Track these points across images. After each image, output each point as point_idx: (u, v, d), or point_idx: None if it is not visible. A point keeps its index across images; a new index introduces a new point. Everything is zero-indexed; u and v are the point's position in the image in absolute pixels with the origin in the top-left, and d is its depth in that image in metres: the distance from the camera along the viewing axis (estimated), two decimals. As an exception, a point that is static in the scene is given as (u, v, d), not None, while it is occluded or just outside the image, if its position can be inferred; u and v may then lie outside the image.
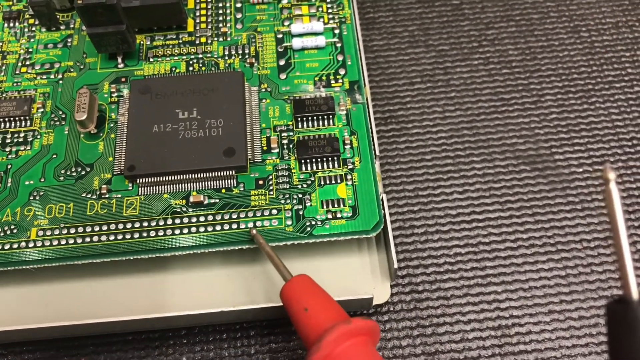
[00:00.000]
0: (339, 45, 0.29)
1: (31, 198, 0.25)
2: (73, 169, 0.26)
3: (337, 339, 0.20)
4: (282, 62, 0.28)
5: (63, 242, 0.24)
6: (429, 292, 0.26)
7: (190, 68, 0.28)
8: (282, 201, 0.25)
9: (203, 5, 0.30)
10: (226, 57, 0.28)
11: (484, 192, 0.28)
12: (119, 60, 0.28)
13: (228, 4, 0.30)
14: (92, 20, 0.27)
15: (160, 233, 0.24)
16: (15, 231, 0.24)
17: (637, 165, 0.29)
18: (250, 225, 0.24)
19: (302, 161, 0.26)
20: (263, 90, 0.27)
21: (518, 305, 0.26)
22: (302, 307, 0.21)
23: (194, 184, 0.25)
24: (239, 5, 0.30)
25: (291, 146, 0.26)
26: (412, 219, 0.28)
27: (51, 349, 0.25)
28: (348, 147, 0.26)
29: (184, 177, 0.25)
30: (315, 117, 0.27)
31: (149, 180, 0.25)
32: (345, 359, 0.20)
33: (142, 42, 0.29)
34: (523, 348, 0.25)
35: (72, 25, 0.29)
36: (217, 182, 0.25)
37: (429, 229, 0.27)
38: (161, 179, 0.25)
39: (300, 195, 0.25)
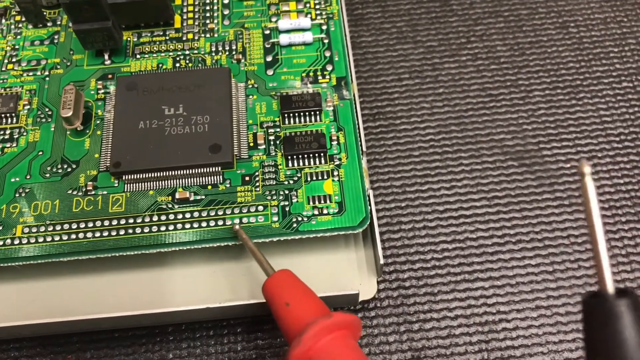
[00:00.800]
0: (326, 41, 0.28)
1: (17, 195, 0.25)
2: (59, 166, 0.26)
3: (317, 334, 0.20)
4: (269, 58, 0.28)
5: (49, 239, 0.24)
6: (416, 288, 0.26)
7: (177, 64, 0.28)
8: (269, 197, 0.25)
9: (190, 1, 0.30)
10: (213, 54, 0.28)
11: (472, 188, 0.28)
12: (106, 57, 0.28)
13: (215, 0, 0.30)
14: (78, 16, 0.27)
15: (146, 230, 0.24)
16: (0, 228, 0.24)
17: (625, 160, 0.29)
18: (237, 221, 0.24)
19: (289, 157, 0.26)
20: (250, 86, 0.27)
21: (505, 300, 0.26)
22: (283, 301, 0.21)
23: (180, 180, 0.25)
24: (226, 1, 0.30)
25: (278, 142, 0.26)
26: (400, 215, 0.28)
27: (37, 346, 0.25)
28: (335, 143, 0.26)
29: (170, 173, 0.25)
30: (302, 113, 0.27)
31: (135, 176, 0.25)
32: (326, 353, 0.20)
33: (128, 39, 0.29)
34: (510, 343, 0.25)
35: (58, 22, 0.29)
36: (203, 178, 0.25)
37: (416, 225, 0.27)
38: (147, 175, 0.25)
39: (286, 192, 0.25)
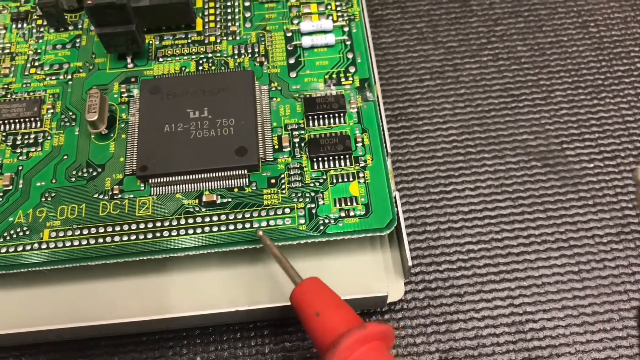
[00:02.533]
0: (348, 43, 0.28)
1: (43, 199, 0.25)
2: (84, 170, 0.26)
3: (352, 345, 0.20)
4: (291, 61, 0.28)
5: (76, 243, 0.24)
6: (442, 289, 0.26)
7: (200, 67, 0.28)
8: (295, 200, 0.25)
9: (212, 4, 0.30)
10: (236, 56, 0.28)
11: (496, 189, 0.28)
12: (128, 60, 0.28)
13: (236, 3, 0.30)
14: (101, 20, 0.27)
15: (174, 233, 0.24)
16: (27, 233, 0.24)
17: (649, 160, 0.29)
18: (264, 224, 0.24)
19: (314, 159, 0.26)
20: (273, 88, 0.27)
21: (531, 301, 0.26)
22: (313, 311, 0.21)
23: (206, 183, 0.25)
24: (247, 4, 0.30)
25: (303, 144, 0.26)
26: (424, 216, 0.28)
27: (64, 350, 0.25)
28: (360, 144, 0.26)
29: (196, 176, 0.25)
30: (326, 115, 0.27)
31: (161, 180, 0.25)
32: None
33: (150, 42, 0.29)
34: (537, 344, 0.25)
35: (80, 26, 0.29)
36: (230, 181, 0.25)
37: (441, 226, 0.27)
38: (173, 178, 0.25)
39: (312, 194, 0.25)
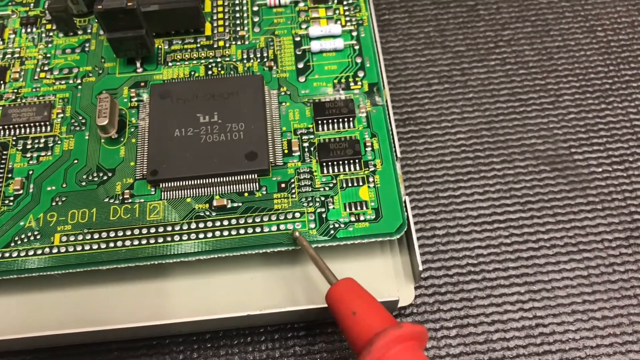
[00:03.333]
0: (357, 47, 0.29)
1: (53, 204, 0.25)
2: (95, 174, 0.26)
3: (388, 343, 0.20)
4: (300, 65, 0.28)
5: (87, 247, 0.24)
6: (452, 294, 0.26)
7: (209, 72, 0.28)
8: (305, 204, 0.25)
9: (220, 9, 0.30)
10: (245, 61, 0.28)
11: (505, 193, 0.28)
12: (138, 64, 0.28)
13: (245, 8, 0.30)
14: (111, 25, 0.27)
15: (184, 237, 0.24)
16: (38, 237, 0.24)
17: (657, 164, 0.29)
18: (274, 228, 0.24)
19: (324, 164, 0.26)
20: (282, 93, 0.27)
21: (541, 305, 0.26)
22: (350, 310, 0.21)
23: (217, 187, 0.25)
24: (255, 8, 0.30)
25: (312, 149, 0.26)
26: (433, 221, 0.28)
27: (76, 355, 0.25)
28: (369, 149, 0.26)
29: (207, 181, 0.25)
30: (335, 120, 0.27)
31: (172, 184, 0.25)
32: None
33: (160, 47, 0.29)
34: (547, 348, 0.25)
35: (89, 30, 0.29)
36: (240, 185, 0.25)
37: (450, 230, 0.27)
38: (184, 183, 0.25)
39: (322, 198, 0.25)
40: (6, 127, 0.27)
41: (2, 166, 0.26)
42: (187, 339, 0.25)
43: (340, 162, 0.26)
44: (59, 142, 0.27)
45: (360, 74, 0.28)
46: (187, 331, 0.25)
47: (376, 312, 0.21)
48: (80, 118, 0.27)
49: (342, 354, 0.25)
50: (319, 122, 0.27)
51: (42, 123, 0.27)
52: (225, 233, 0.24)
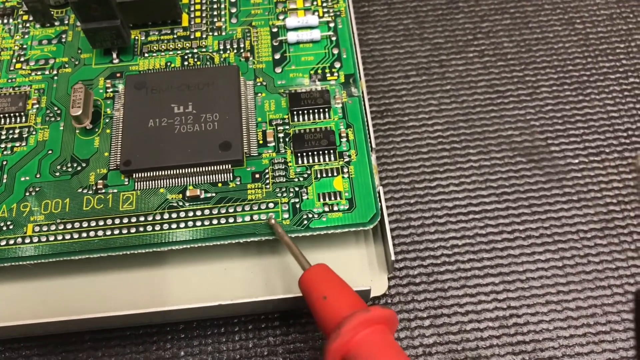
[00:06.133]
0: (334, 38, 0.28)
1: (27, 194, 0.25)
2: (69, 165, 0.26)
3: (356, 327, 0.20)
4: (277, 56, 0.28)
5: (60, 237, 0.24)
6: (427, 284, 0.26)
7: (186, 63, 0.28)
8: (279, 195, 0.25)
9: (197, 0, 0.30)
10: (221, 52, 0.28)
11: (481, 184, 0.28)
12: (114, 55, 0.28)
13: (222, -1, 0.30)
14: (86, 15, 0.27)
15: (157, 228, 0.24)
16: (11, 227, 0.24)
17: (633, 155, 0.29)
18: (248, 219, 0.24)
19: (299, 154, 0.26)
20: (258, 84, 0.27)
21: (516, 295, 0.26)
22: (321, 295, 0.22)
23: (191, 178, 0.25)
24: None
25: (287, 139, 0.26)
26: (409, 211, 0.28)
27: (49, 345, 0.25)
28: (344, 140, 0.26)
29: (180, 171, 0.25)
30: (311, 111, 0.27)
31: (145, 175, 0.25)
32: (363, 346, 0.20)
33: (136, 37, 0.29)
34: (521, 339, 0.25)
35: (66, 21, 0.29)
36: (214, 176, 0.25)
37: (425, 221, 0.27)
38: (157, 173, 0.25)
39: (296, 189, 0.25)
40: (-20, 117, 0.27)
41: (-25, 156, 0.26)
42: (161, 329, 0.25)
43: (315, 153, 0.26)
44: (34, 132, 0.27)
45: (337, 65, 0.28)
46: (160, 321, 0.25)
47: (347, 297, 0.22)
48: (56, 109, 0.27)
49: (315, 344, 0.25)
50: (295, 112, 0.27)
51: (17, 114, 0.27)
52: (199, 223, 0.24)
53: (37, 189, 0.25)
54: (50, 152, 0.26)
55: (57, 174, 0.26)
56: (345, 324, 0.20)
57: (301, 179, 0.25)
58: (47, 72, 0.28)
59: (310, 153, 0.26)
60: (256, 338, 0.25)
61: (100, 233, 0.24)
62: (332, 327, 0.21)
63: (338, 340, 0.20)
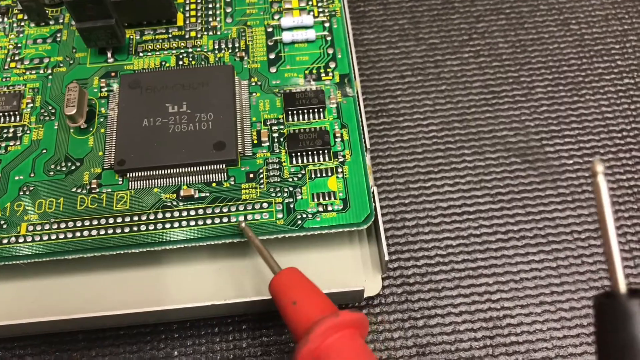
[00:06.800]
0: (329, 38, 0.28)
1: (21, 193, 0.25)
2: (63, 164, 0.26)
3: (324, 332, 0.20)
4: (272, 56, 0.28)
5: (53, 237, 0.24)
6: (420, 284, 0.26)
7: (180, 62, 0.28)
8: (273, 194, 0.25)
9: (193, -1, 0.30)
10: (216, 51, 0.28)
11: (475, 185, 0.28)
12: (109, 54, 0.28)
13: (218, -2, 0.30)
14: (81, 14, 0.27)
15: (151, 227, 0.24)
16: (4, 226, 0.24)
17: (627, 156, 0.29)
18: (242, 218, 0.24)
19: (293, 154, 0.26)
20: (253, 83, 0.27)
21: (509, 296, 0.26)
22: (290, 300, 0.21)
23: (185, 177, 0.25)
24: (228, -1, 0.30)
25: (282, 139, 0.26)
26: (404, 212, 0.28)
27: (42, 344, 0.25)
28: (339, 140, 0.26)
29: (174, 171, 0.25)
30: (305, 111, 0.27)
31: (139, 174, 0.25)
32: (333, 352, 0.20)
33: (131, 37, 0.29)
34: (514, 339, 0.25)
35: (61, 20, 0.29)
36: (208, 175, 0.25)
37: (420, 221, 0.27)
38: (151, 173, 0.25)
39: (291, 189, 0.25)
40: (-25, 116, 0.27)
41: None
42: (155, 329, 0.25)
43: (310, 153, 0.26)
44: (28, 131, 0.27)
45: (332, 65, 0.28)
46: (153, 321, 0.25)
47: (316, 302, 0.21)
48: (50, 108, 0.27)
49: (309, 344, 0.25)
50: (289, 112, 0.27)
51: (11, 113, 0.27)
52: (192, 223, 0.24)
53: (31, 188, 0.25)
54: (44, 151, 0.26)
55: (51, 173, 0.26)
56: (314, 329, 0.20)
57: (295, 179, 0.25)
58: (41, 71, 0.28)
59: (304, 153, 0.26)
60: (250, 338, 0.25)
61: (94, 232, 0.24)
62: (301, 332, 0.21)
63: (308, 346, 0.20)
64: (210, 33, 0.29)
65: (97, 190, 0.25)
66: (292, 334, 0.21)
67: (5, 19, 0.29)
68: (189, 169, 0.25)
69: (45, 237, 0.24)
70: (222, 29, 0.29)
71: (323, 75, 0.28)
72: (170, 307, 0.23)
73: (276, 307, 0.22)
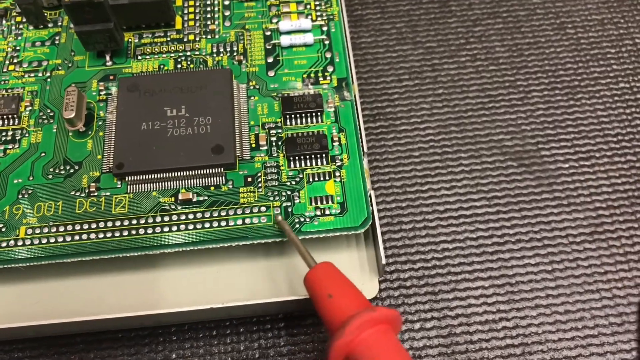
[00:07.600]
0: (327, 42, 0.29)
1: (20, 196, 0.25)
2: (62, 167, 0.26)
3: (360, 326, 0.20)
4: (270, 60, 0.28)
5: (52, 240, 0.24)
6: (417, 288, 0.26)
7: (179, 65, 0.28)
8: (271, 198, 0.25)
9: (191, 2, 0.30)
10: (214, 55, 0.28)
11: (471, 188, 0.28)
12: (107, 58, 0.28)
13: (216, 2, 0.30)
14: (79, 18, 0.27)
15: (150, 231, 0.24)
16: (3, 230, 0.24)
17: (622, 160, 0.29)
18: (240, 222, 0.24)
19: (291, 158, 0.26)
20: (251, 87, 0.28)
21: (505, 299, 0.26)
22: (326, 293, 0.22)
23: (183, 181, 0.25)
24: (227, 2, 0.30)
25: (280, 143, 0.26)
26: (400, 215, 0.28)
27: (41, 347, 0.25)
28: (336, 144, 0.26)
29: (173, 174, 0.25)
30: (303, 115, 0.27)
31: (138, 178, 0.25)
32: (367, 346, 0.20)
33: (130, 40, 0.29)
34: (510, 342, 0.25)
35: (59, 23, 0.29)
36: (206, 179, 0.25)
37: (416, 225, 0.28)
38: (150, 176, 0.25)
39: (288, 192, 0.25)
40: (-27, 119, 0.27)
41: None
42: (153, 332, 0.25)
43: (307, 157, 0.26)
44: (27, 135, 0.27)
45: (330, 69, 0.28)
46: (151, 324, 0.25)
47: (352, 296, 0.22)
48: (49, 111, 0.27)
49: (305, 347, 0.25)
50: (287, 116, 0.27)
51: (10, 116, 0.27)
52: (191, 227, 0.24)
53: (29, 192, 0.25)
54: (43, 154, 0.26)
55: (50, 176, 0.26)
56: (350, 322, 0.20)
57: (293, 182, 0.25)
58: (40, 74, 0.28)
59: (302, 157, 0.26)
60: (247, 341, 0.25)
61: (92, 236, 0.24)
62: (337, 325, 0.21)
63: (342, 339, 0.20)
64: (209, 36, 0.29)
65: (96, 193, 0.25)
66: (327, 327, 0.22)
67: (4, 22, 0.29)
68: (188, 173, 0.25)
69: (44, 241, 0.24)
70: (221, 32, 0.29)
71: (321, 79, 0.28)
72: (168, 310, 0.24)
73: (311, 299, 0.23)
